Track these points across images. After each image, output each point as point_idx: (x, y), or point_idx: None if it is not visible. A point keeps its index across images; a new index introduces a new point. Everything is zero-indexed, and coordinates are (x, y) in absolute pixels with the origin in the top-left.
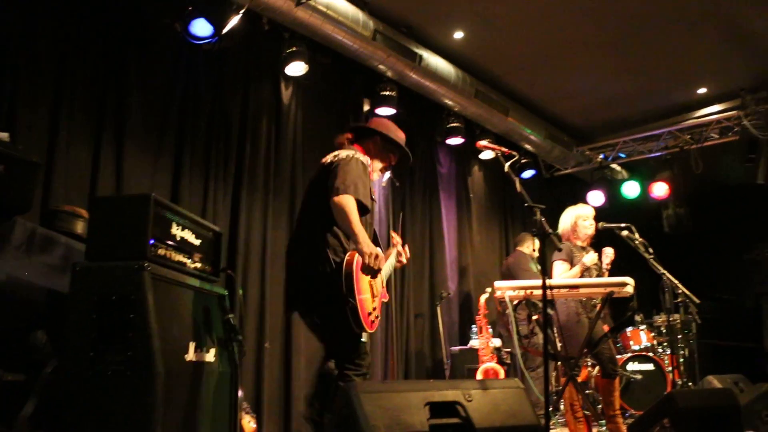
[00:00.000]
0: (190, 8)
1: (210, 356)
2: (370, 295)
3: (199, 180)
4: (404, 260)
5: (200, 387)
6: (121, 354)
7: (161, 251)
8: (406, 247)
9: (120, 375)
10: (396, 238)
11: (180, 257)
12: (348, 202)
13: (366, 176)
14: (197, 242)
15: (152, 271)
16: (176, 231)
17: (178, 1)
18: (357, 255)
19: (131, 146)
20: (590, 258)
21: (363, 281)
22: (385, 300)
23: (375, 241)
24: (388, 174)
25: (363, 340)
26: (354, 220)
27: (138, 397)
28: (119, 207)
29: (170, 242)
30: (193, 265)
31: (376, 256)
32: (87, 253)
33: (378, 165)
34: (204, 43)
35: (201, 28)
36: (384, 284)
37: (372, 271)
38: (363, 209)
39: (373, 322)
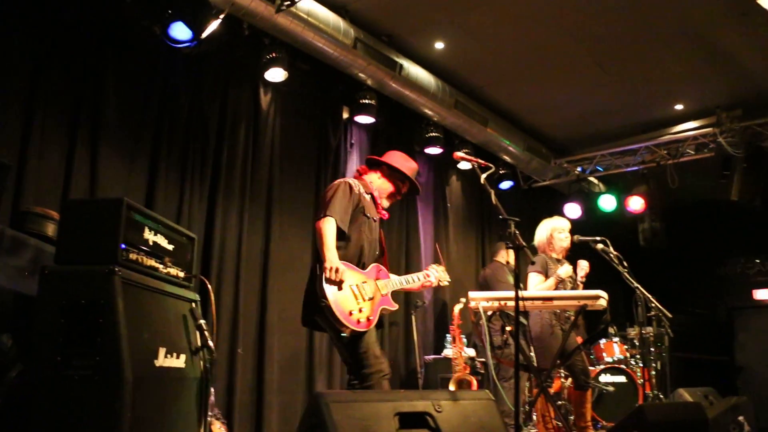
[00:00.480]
0: (170, 11)
1: (180, 362)
2: (351, 297)
3: (175, 184)
4: (441, 278)
5: (170, 393)
6: (89, 359)
7: (133, 256)
8: (439, 267)
9: (87, 380)
10: (439, 265)
11: (152, 262)
12: (323, 225)
13: (347, 196)
14: (170, 247)
15: (123, 275)
16: (149, 235)
17: (157, 3)
18: None
19: (106, 148)
20: (565, 270)
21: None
22: (392, 308)
23: (379, 259)
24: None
25: (344, 334)
26: (325, 242)
27: (106, 402)
28: (91, 210)
29: (142, 247)
30: (165, 270)
31: (336, 269)
32: (56, 256)
33: (386, 192)
34: (183, 46)
35: (180, 31)
36: (385, 292)
37: (334, 283)
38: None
39: (359, 321)
